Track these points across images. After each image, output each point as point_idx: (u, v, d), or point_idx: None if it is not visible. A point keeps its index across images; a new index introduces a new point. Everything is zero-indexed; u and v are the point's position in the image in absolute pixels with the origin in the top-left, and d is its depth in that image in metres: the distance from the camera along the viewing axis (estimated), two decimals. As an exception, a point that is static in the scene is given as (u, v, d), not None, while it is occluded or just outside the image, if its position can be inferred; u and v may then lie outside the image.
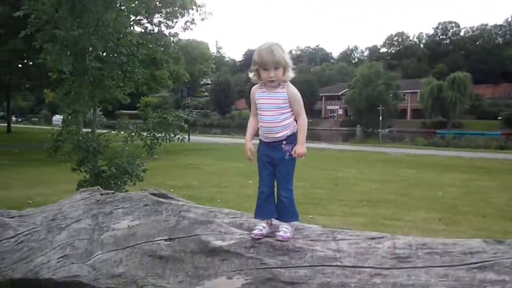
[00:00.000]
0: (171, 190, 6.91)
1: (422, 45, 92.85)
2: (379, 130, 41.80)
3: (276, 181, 2.50)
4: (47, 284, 3.33)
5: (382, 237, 2.31)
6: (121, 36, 5.59)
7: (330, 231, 2.46)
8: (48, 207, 3.85)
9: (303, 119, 2.43)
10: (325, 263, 2.18)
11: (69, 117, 5.32)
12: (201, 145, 23.40)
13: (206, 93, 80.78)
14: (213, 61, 69.12)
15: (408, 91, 61.86)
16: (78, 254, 3.22)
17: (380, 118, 41.21)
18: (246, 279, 2.36)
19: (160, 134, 5.71)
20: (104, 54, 5.75)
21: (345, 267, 2.13)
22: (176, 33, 20.55)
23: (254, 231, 2.47)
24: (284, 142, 2.44)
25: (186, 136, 13.67)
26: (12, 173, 12.15)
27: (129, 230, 3.06)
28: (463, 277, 1.92)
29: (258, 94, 2.48)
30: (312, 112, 70.16)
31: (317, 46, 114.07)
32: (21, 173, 12.05)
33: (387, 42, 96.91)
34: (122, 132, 5.90)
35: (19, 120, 68.05)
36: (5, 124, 35.05)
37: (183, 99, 30.81)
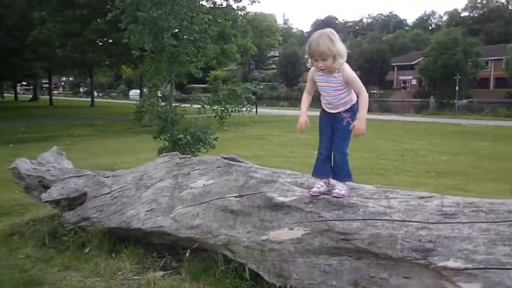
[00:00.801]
0: (240, 158, 7.38)
1: (510, 6, 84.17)
2: (455, 100, 39.36)
3: (333, 144, 2.73)
4: (137, 233, 3.93)
5: (431, 196, 2.50)
6: (194, 14, 6.02)
7: (383, 190, 2.69)
8: (136, 169, 4.44)
9: (364, 96, 2.58)
10: (376, 217, 2.44)
11: (150, 90, 5.89)
12: (268, 117, 23.84)
13: (273, 66, 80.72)
14: (280, 33, 68.64)
15: (492, 58, 57.07)
16: (162, 208, 3.75)
17: (457, 88, 38.73)
18: (305, 230, 2.69)
19: (229, 106, 6.14)
20: (179, 32, 6.23)
21: (394, 221, 2.38)
22: (243, 6, 20.86)
23: (313, 189, 2.78)
24: (343, 113, 2.69)
25: (254, 108, 14.11)
26: (98, 143, 13.45)
27: (204, 188, 3.51)
28: (504, 231, 2.08)
29: (317, 76, 2.68)
30: (383, 83, 67.51)
31: (390, 13, 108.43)
32: (106, 144, 13.29)
33: (469, 5, 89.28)
34: (194, 105, 6.41)
35: (100, 95, 73.29)
36: (89, 99, 38.07)
37: (251, 72, 31.37)
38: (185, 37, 6.07)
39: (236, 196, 3.19)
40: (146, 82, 5.69)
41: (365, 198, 2.63)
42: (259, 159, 9.49)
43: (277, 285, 2.99)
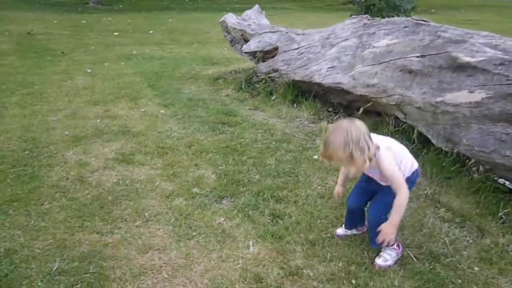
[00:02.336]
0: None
1: None
2: None
3: (371, 203, 2.15)
4: (317, 88, 4.21)
5: None
6: None
7: None
8: (324, 29, 4.57)
9: (404, 196, 1.88)
10: None
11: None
12: (489, 1, 20.12)
13: None
14: None
15: None
16: (342, 66, 3.87)
17: None
18: (487, 94, 2.48)
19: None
20: None
21: None
22: None
23: (338, 230, 2.32)
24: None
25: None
26: (298, 15, 13.90)
27: (387, 47, 3.44)
28: None
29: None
30: None
31: None
32: (305, 17, 13.61)
33: None
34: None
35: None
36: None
37: None
38: None
39: (418, 56, 3.06)
40: None
41: None
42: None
43: (444, 150, 2.93)
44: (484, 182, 2.65)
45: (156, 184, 2.80)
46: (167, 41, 8.45)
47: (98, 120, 3.91)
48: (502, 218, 2.42)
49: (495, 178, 2.67)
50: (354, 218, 2.26)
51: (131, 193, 2.68)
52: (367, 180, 2.10)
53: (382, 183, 2.00)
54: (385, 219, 1.95)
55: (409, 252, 2.17)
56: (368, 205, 2.19)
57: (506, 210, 2.44)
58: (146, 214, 2.46)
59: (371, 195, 2.14)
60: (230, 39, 5.64)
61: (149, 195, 2.66)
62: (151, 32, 9.49)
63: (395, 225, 1.90)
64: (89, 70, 5.79)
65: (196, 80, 5.46)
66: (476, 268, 2.07)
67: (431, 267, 2.07)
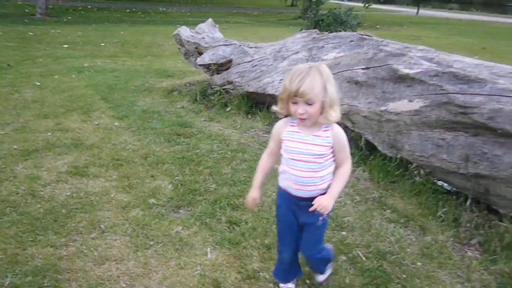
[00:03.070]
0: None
1: None
2: None
3: (302, 244, 1.85)
4: (270, 99, 4.35)
5: None
6: None
7: (522, 71, 2.47)
8: (276, 42, 4.74)
9: (347, 167, 1.72)
10: (503, 94, 2.31)
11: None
12: (429, 19, 21.49)
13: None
14: None
15: None
16: (294, 78, 4.03)
17: None
18: (424, 102, 2.70)
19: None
20: None
21: (523, 98, 2.23)
22: None
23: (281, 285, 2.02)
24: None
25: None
26: (249, 30, 14.13)
27: (334, 60, 3.63)
28: None
29: (287, 133, 1.72)
30: None
31: None
32: (256, 31, 13.88)
33: None
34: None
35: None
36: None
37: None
38: None
39: (363, 68, 3.26)
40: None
41: (498, 76, 2.47)
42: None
43: (389, 156, 3.14)
44: (424, 185, 2.86)
45: (112, 196, 2.78)
46: (120, 54, 8.34)
47: (49, 133, 3.82)
48: (441, 217, 2.63)
49: (435, 181, 2.89)
50: (291, 269, 1.98)
51: (85, 206, 2.65)
52: (295, 204, 1.77)
53: (308, 171, 1.68)
54: (325, 249, 1.90)
55: (358, 251, 2.31)
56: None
57: (444, 209, 2.65)
58: (102, 226, 2.45)
59: (298, 233, 1.83)
60: (184, 52, 5.69)
61: (104, 207, 2.64)
62: (102, 44, 9.33)
63: (335, 198, 1.68)
64: (38, 83, 5.62)
65: (151, 93, 5.45)
66: (418, 264, 2.24)
67: (378, 264, 2.21)
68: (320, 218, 1.74)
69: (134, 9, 19.15)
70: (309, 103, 1.58)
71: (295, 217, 1.80)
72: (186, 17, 17.63)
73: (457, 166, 2.58)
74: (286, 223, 1.84)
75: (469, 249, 2.38)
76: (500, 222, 2.45)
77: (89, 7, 19.35)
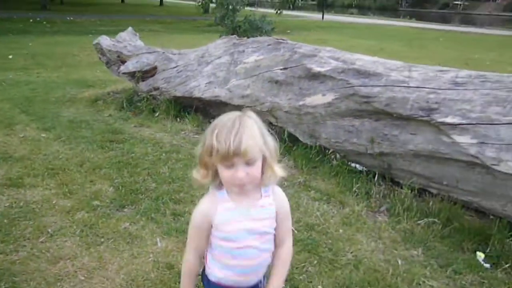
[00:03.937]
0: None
1: None
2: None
3: None
4: (197, 102, 4.60)
5: (449, 70, 2.81)
6: None
7: (408, 65, 3.02)
8: (198, 48, 5.00)
9: (289, 248, 1.39)
10: (395, 84, 2.82)
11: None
12: (334, 24, 23.11)
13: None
14: None
15: None
16: (219, 81, 4.33)
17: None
18: (335, 95, 3.15)
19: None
20: None
21: (410, 87, 2.75)
22: None
23: None
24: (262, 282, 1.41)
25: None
26: (165, 37, 14.13)
27: (255, 63, 4.00)
28: (501, 95, 2.40)
29: (220, 214, 1.27)
30: (469, -8, 60.66)
31: None
32: (173, 39, 13.94)
33: None
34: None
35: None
36: (159, -2, 38.46)
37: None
38: None
39: (281, 69, 3.66)
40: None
41: (391, 70, 2.99)
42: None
43: (309, 144, 3.56)
44: (341, 167, 3.32)
45: (54, 202, 2.85)
46: (32, 66, 8.00)
47: (-29, 149, 3.69)
48: (355, 192, 3.09)
49: (349, 163, 3.36)
50: None
51: (28, 213, 2.69)
52: None
53: (260, 251, 1.31)
54: None
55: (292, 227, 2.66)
56: None
57: (358, 185, 3.12)
58: (49, 230, 2.52)
59: None
60: (105, 61, 5.70)
61: (48, 213, 2.71)
62: (10, 57, 8.83)
63: (280, 285, 1.36)
64: None
65: (74, 103, 5.39)
66: (340, 230, 2.65)
67: (308, 234, 2.58)
68: None
69: (38, 19, 18.09)
70: (249, 164, 1.18)
71: None
72: (97, 26, 17.09)
73: (365, 148, 3.06)
74: None
75: (379, 215, 2.86)
76: (401, 190, 2.96)
77: (-14, 17, 17.90)
